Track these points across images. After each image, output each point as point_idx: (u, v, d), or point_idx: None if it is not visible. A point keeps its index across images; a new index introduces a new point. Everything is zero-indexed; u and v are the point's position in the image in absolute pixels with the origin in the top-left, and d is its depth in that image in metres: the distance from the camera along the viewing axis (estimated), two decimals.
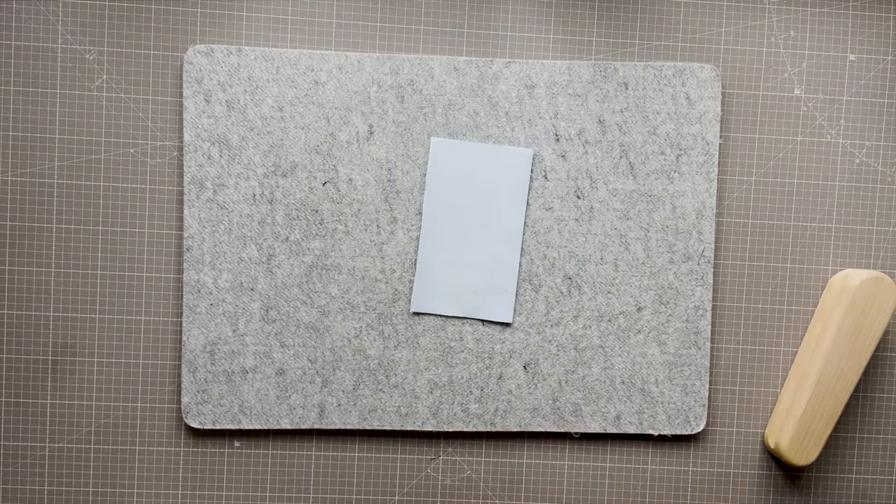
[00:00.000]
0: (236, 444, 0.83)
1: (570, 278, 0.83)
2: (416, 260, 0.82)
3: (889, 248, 0.85)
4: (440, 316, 0.82)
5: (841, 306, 0.80)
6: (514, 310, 0.82)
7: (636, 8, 0.83)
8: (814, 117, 0.84)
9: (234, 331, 0.81)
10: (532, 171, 0.82)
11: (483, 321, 0.82)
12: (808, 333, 0.84)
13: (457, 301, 0.82)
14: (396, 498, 0.84)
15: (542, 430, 0.83)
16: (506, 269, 0.82)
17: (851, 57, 0.84)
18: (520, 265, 0.82)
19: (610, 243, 0.83)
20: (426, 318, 0.82)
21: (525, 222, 0.82)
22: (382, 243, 0.82)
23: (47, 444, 0.82)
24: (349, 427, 0.82)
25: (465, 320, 0.82)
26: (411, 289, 0.82)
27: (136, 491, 0.83)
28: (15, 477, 0.82)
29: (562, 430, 0.83)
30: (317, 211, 0.81)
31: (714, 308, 0.84)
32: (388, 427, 0.82)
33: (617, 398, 0.83)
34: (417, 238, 0.82)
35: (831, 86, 0.84)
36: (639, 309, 0.83)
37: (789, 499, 0.86)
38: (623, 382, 0.83)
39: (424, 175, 0.82)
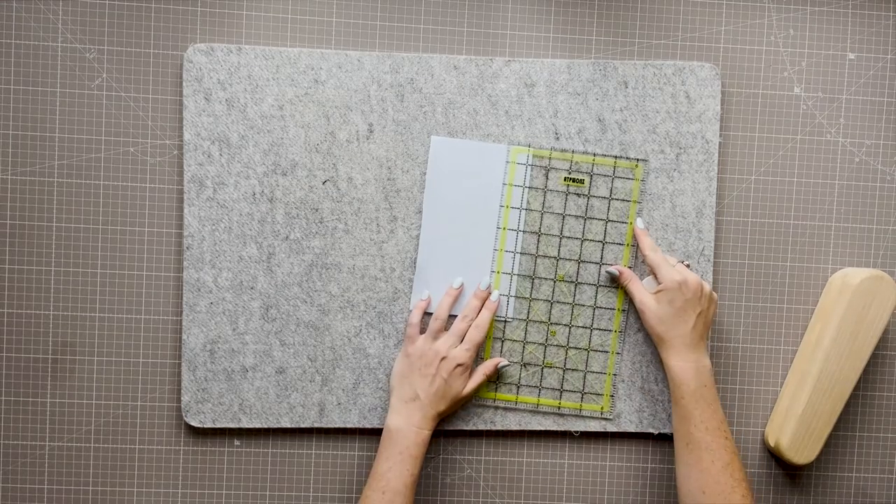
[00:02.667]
0: (236, 442, 0.83)
1: (570, 278, 0.83)
2: (416, 258, 0.82)
3: (889, 247, 0.85)
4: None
5: (841, 305, 0.80)
6: (514, 308, 0.82)
7: (636, 7, 0.83)
8: (813, 116, 0.84)
9: (233, 329, 0.81)
10: (532, 169, 0.82)
11: None
12: (808, 332, 0.84)
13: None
14: None
15: (543, 428, 0.83)
16: (505, 267, 0.82)
17: (851, 55, 0.84)
18: (519, 264, 0.82)
19: (610, 242, 0.83)
20: (426, 316, 0.82)
21: (525, 221, 0.82)
22: (382, 242, 0.82)
23: (47, 443, 0.82)
24: (349, 426, 0.82)
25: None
26: (411, 287, 0.82)
27: (136, 489, 0.83)
28: (15, 476, 0.82)
29: (562, 428, 0.83)
30: (317, 209, 0.81)
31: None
32: None
33: (617, 397, 0.83)
34: (417, 237, 0.82)
35: (831, 84, 0.84)
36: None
37: (789, 497, 0.86)
38: (623, 382, 0.83)
39: (424, 174, 0.82)
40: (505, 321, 0.82)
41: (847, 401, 0.82)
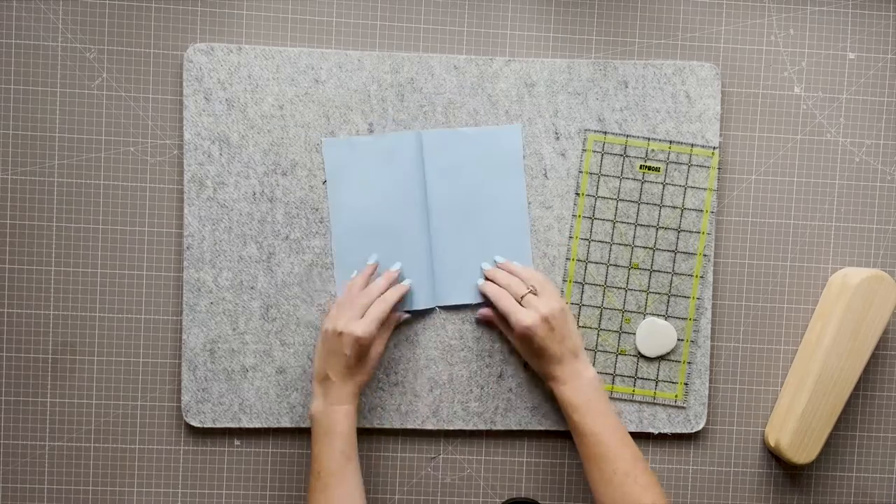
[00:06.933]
0: (236, 442, 0.83)
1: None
2: (429, 256, 0.81)
3: (889, 247, 0.85)
4: (466, 306, 0.82)
5: (841, 305, 0.80)
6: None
7: (636, 6, 0.83)
8: (813, 115, 0.84)
9: (234, 329, 0.81)
10: (525, 149, 0.82)
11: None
12: (808, 332, 0.84)
13: (476, 288, 0.82)
14: (396, 497, 0.84)
15: (543, 428, 0.83)
16: (518, 244, 0.82)
17: (851, 55, 0.84)
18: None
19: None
20: (426, 316, 0.82)
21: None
22: None
23: (47, 443, 0.82)
24: None
25: (464, 319, 0.82)
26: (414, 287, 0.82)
27: (136, 489, 0.83)
28: (15, 475, 0.82)
29: (562, 428, 0.83)
30: (317, 209, 0.81)
31: (714, 306, 0.84)
32: (388, 426, 0.82)
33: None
34: (422, 235, 0.82)
35: (831, 84, 0.84)
36: (639, 308, 0.83)
37: (790, 497, 0.86)
38: (624, 381, 0.83)
39: (424, 173, 0.82)
40: (580, 307, 0.83)
41: (847, 401, 0.82)
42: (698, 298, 0.83)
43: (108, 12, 0.81)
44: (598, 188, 0.82)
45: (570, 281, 0.82)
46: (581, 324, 0.82)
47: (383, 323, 0.76)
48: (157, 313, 0.82)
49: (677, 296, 0.83)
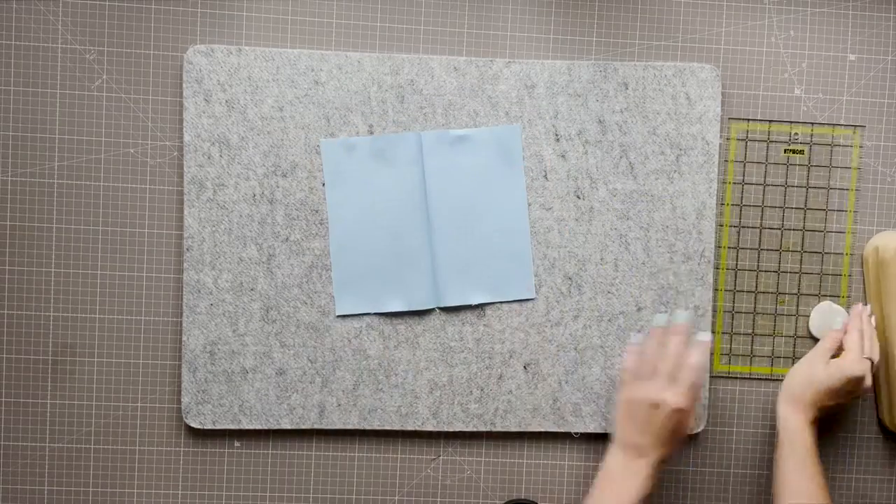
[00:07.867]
0: (236, 444, 0.83)
1: (570, 278, 0.83)
2: (429, 258, 0.81)
3: None
4: (466, 307, 0.82)
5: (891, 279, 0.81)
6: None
7: (636, 8, 0.83)
8: (814, 117, 0.84)
9: (234, 331, 0.81)
10: (524, 151, 0.82)
11: (504, 302, 0.82)
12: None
13: (480, 288, 0.82)
14: (396, 498, 0.84)
15: (543, 430, 0.83)
16: (518, 245, 0.82)
17: (851, 57, 0.84)
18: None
19: (610, 243, 0.83)
20: (426, 317, 0.82)
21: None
22: None
23: (47, 444, 0.82)
24: (349, 427, 0.82)
25: (464, 320, 0.82)
26: (410, 287, 0.82)
27: (136, 491, 0.83)
28: (15, 477, 0.82)
29: (562, 430, 0.83)
30: (317, 211, 0.81)
31: (716, 308, 0.84)
32: (388, 427, 0.82)
33: (617, 398, 0.83)
34: (422, 236, 0.82)
35: (831, 86, 0.84)
36: (639, 309, 0.83)
37: None
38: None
39: (425, 174, 0.82)
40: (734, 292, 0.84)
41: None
42: (849, 275, 0.84)
43: (107, 13, 0.81)
44: (742, 175, 0.84)
45: (722, 268, 0.84)
46: (736, 308, 0.84)
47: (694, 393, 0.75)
48: (157, 315, 0.82)
49: (829, 273, 0.85)
